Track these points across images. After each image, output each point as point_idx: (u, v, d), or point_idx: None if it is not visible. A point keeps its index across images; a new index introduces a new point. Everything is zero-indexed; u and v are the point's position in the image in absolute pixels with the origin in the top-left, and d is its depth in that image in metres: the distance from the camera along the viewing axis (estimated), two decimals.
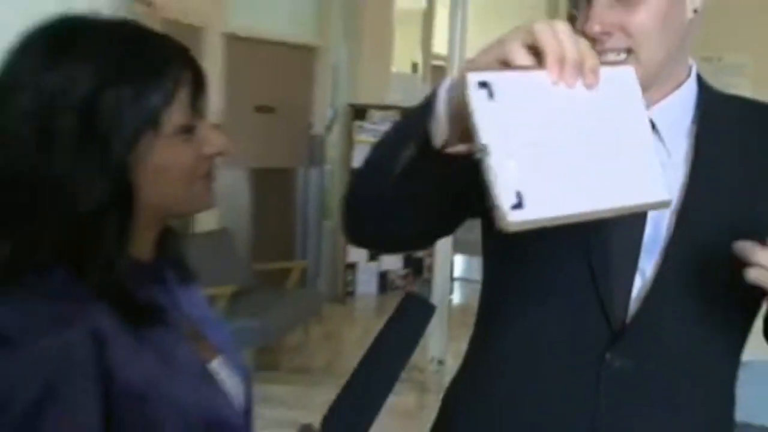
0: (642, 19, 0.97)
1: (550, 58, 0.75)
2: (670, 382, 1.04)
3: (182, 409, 0.95)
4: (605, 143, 0.81)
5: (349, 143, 6.28)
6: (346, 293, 6.40)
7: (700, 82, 1.11)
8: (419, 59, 7.55)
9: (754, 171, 1.05)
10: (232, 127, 5.18)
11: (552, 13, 6.11)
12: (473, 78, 0.74)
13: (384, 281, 6.51)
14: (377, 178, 1.01)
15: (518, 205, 0.73)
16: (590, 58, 0.76)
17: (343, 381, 1.14)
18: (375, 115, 6.23)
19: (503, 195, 0.73)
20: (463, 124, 0.80)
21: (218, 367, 1.06)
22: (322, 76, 6.24)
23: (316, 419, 1.13)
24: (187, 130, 0.95)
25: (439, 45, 6.60)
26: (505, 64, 0.78)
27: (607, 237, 0.99)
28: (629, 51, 0.98)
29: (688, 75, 1.08)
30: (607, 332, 1.02)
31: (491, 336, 1.18)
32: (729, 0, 5.87)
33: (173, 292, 1.06)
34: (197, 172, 0.98)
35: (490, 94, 0.74)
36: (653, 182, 0.85)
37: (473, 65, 0.80)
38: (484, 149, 0.73)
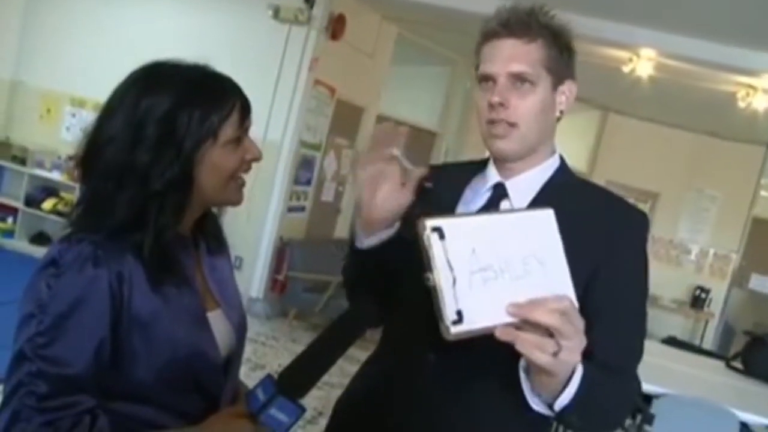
0: (529, 103, 1.23)
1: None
2: (472, 377, 1.20)
3: (174, 340, 1.15)
4: (528, 265, 0.94)
5: None
6: None
7: (563, 167, 1.32)
8: None
9: (572, 236, 1.05)
10: None
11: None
12: (429, 223, 0.89)
13: None
14: (347, 268, 1.40)
15: (458, 321, 0.89)
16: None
17: None
18: None
19: (448, 314, 0.89)
20: (368, 228, 1.22)
21: (215, 316, 1.25)
22: (437, 152, 8.32)
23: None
24: (236, 141, 1.19)
25: None
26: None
27: None
28: (513, 125, 1.24)
29: (547, 159, 1.30)
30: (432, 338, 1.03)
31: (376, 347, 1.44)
32: (708, 152, 8.32)
33: (200, 258, 1.29)
34: (238, 172, 1.22)
35: (442, 236, 0.89)
36: (563, 290, 0.96)
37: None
38: (435, 279, 0.88)
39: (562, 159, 1.34)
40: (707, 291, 8.65)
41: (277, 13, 5.85)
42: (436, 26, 6.56)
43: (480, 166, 1.40)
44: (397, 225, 1.30)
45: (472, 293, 0.90)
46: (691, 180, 8.66)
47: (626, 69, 5.88)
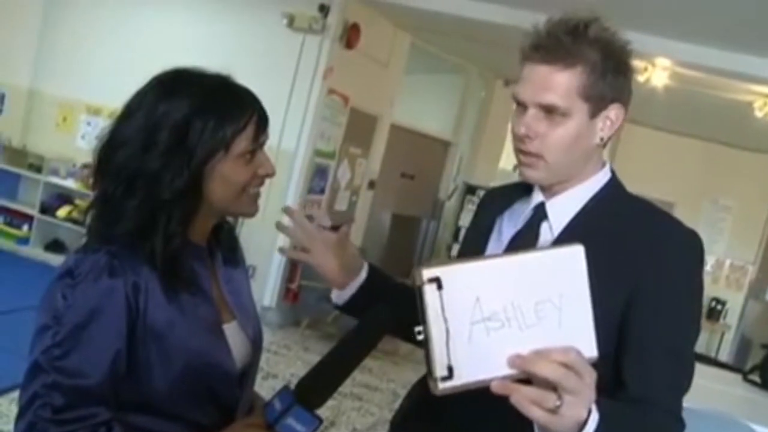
0: (559, 134, 1.15)
1: None
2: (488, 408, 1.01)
3: (189, 351, 1.14)
4: (542, 311, 0.86)
5: (460, 208, 8.47)
6: None
7: (613, 181, 1.24)
8: None
9: (610, 257, 1.05)
10: (384, 184, 7.45)
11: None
12: (425, 273, 0.83)
13: None
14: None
15: (448, 377, 0.84)
16: None
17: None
18: (482, 193, 8.10)
19: (437, 369, 0.84)
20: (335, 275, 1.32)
21: (231, 328, 1.25)
22: (450, 161, 8.35)
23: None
24: (249, 155, 1.18)
25: None
26: None
27: None
28: (540, 157, 1.17)
29: (594, 175, 1.22)
30: None
31: None
32: (724, 162, 8.25)
33: (216, 269, 1.28)
34: (250, 185, 1.20)
35: (440, 286, 0.83)
36: (584, 340, 0.87)
37: None
38: (426, 333, 0.84)
39: (612, 173, 1.26)
40: (723, 303, 8.56)
41: (291, 22, 5.88)
42: (450, 35, 6.57)
43: (528, 186, 1.32)
44: (364, 272, 1.38)
45: (471, 345, 0.85)
46: (707, 190, 8.60)
47: (641, 78, 5.85)
